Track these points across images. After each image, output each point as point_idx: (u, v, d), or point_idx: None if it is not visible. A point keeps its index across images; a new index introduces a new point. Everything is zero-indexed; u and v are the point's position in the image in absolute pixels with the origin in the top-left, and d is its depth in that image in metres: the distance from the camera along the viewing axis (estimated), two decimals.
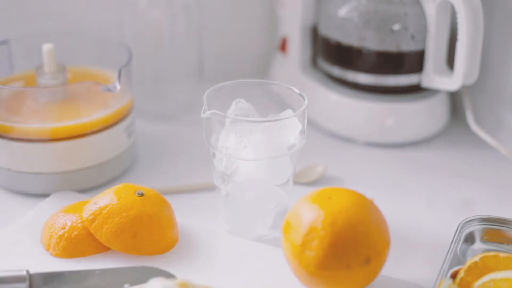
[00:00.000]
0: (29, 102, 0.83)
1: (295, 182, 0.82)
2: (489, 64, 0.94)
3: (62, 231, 0.72)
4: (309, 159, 0.90)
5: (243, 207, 0.75)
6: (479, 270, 0.66)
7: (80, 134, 0.82)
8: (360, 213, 0.65)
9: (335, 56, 0.97)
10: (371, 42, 0.94)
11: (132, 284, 0.66)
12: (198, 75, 1.03)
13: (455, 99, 1.02)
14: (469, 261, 0.66)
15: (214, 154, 0.74)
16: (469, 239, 0.73)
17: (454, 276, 0.66)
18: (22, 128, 0.80)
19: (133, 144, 0.89)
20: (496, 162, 0.92)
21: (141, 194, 0.73)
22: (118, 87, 0.81)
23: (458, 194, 0.86)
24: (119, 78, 0.81)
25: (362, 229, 0.64)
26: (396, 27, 0.92)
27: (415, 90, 0.97)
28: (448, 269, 0.67)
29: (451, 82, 0.91)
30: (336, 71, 0.98)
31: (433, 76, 0.94)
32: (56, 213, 0.74)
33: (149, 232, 0.71)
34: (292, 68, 1.04)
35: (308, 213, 0.65)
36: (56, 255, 0.71)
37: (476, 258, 0.66)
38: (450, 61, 0.93)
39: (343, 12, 0.95)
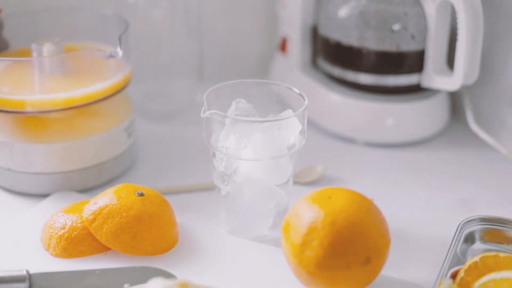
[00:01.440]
0: (27, 74, 0.81)
1: (295, 182, 0.82)
2: (490, 64, 0.94)
3: (62, 231, 0.72)
4: (309, 159, 0.90)
5: (243, 207, 0.75)
6: (479, 270, 0.66)
7: (79, 105, 0.81)
8: (360, 213, 0.65)
9: (335, 56, 0.97)
10: (371, 42, 0.94)
11: (132, 284, 0.66)
12: (198, 75, 1.03)
13: (455, 99, 1.02)
14: (469, 261, 0.66)
15: (214, 154, 0.74)
16: (469, 239, 0.73)
17: (454, 276, 0.66)
18: (19, 101, 0.79)
19: (133, 144, 0.89)
20: (496, 162, 0.92)
21: (141, 194, 0.73)
22: (120, 52, 0.81)
23: (458, 194, 0.86)
24: (120, 43, 0.81)
25: (362, 229, 0.64)
26: (396, 27, 0.92)
27: (415, 90, 0.97)
28: (448, 269, 0.67)
29: (451, 82, 0.91)
30: (336, 71, 0.98)
31: (433, 76, 0.94)
32: (56, 213, 0.74)
33: (149, 232, 0.71)
34: (292, 68, 1.04)
35: (308, 213, 0.65)
36: (56, 255, 0.71)
37: (476, 258, 0.66)
38: (450, 61, 0.93)
39: (343, 12, 0.95)
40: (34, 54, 0.83)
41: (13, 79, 0.81)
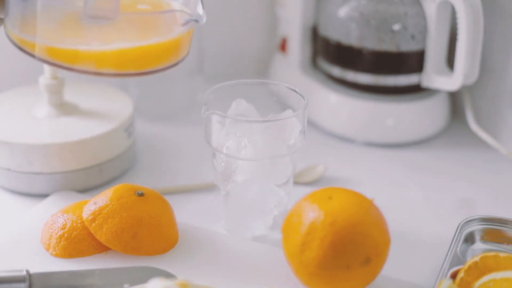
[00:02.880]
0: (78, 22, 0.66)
1: (295, 182, 0.82)
2: (489, 64, 0.94)
3: (62, 231, 0.72)
4: (309, 159, 0.90)
5: (243, 207, 0.75)
6: (479, 270, 0.66)
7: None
8: (360, 213, 0.65)
9: (335, 56, 0.97)
10: (371, 42, 0.94)
11: (132, 284, 0.66)
12: (198, 75, 1.03)
13: (455, 99, 1.02)
14: (469, 261, 0.66)
15: (214, 154, 0.74)
16: (469, 239, 0.73)
17: (454, 276, 0.66)
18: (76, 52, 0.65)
19: (133, 144, 0.89)
20: (496, 162, 0.92)
21: (141, 194, 0.73)
22: (205, 16, 0.65)
23: (458, 194, 0.86)
24: (202, 3, 0.66)
25: (362, 229, 0.64)
26: (396, 27, 0.92)
27: (415, 90, 0.97)
28: (448, 269, 0.67)
29: (451, 82, 0.91)
30: (336, 71, 0.98)
31: (433, 76, 0.94)
32: (56, 213, 0.74)
33: (149, 232, 0.71)
34: (292, 68, 1.04)
35: (308, 213, 0.65)
36: (56, 255, 0.71)
37: (476, 258, 0.66)
38: (450, 61, 0.93)
39: (343, 12, 0.95)
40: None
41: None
